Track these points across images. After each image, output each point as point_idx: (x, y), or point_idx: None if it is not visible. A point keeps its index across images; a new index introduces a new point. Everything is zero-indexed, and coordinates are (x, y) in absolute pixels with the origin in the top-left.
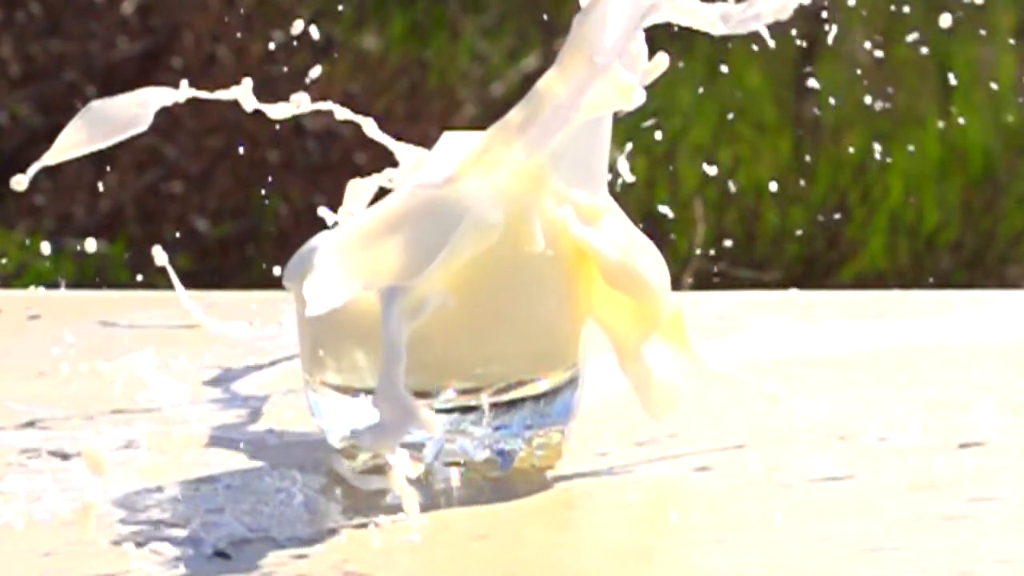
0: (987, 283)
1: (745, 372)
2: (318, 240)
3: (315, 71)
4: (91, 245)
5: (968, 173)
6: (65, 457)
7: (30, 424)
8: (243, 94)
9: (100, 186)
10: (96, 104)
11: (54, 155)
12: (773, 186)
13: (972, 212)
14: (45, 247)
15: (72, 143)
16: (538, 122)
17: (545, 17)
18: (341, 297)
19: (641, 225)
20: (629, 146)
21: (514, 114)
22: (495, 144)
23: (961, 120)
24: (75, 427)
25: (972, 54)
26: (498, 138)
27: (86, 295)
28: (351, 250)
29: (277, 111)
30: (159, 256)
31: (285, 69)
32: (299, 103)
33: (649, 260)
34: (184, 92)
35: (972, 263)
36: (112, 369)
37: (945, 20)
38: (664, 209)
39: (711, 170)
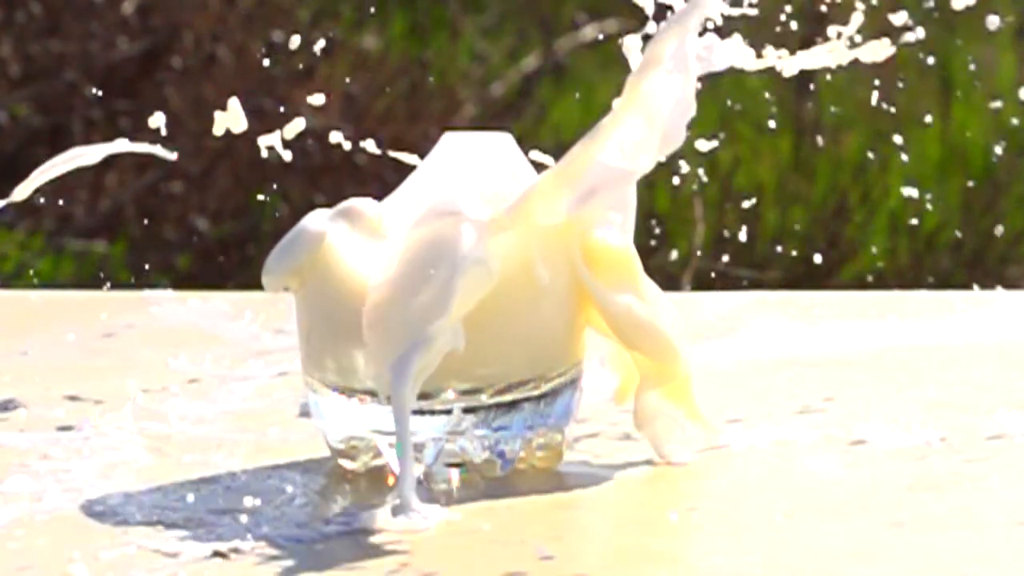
0: (987, 283)
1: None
2: (302, 224)
3: (317, 98)
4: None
5: (968, 173)
6: (70, 450)
7: (33, 425)
8: (233, 120)
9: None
10: (78, 149)
11: (23, 189)
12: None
13: (972, 212)
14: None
15: (39, 174)
16: (587, 183)
17: (545, 17)
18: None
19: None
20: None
21: (561, 170)
22: (539, 198)
23: (961, 120)
24: (75, 427)
25: (972, 54)
26: (543, 193)
27: (86, 295)
28: (378, 315)
29: (279, 142)
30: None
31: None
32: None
33: (665, 317)
34: (158, 148)
35: (972, 263)
36: (96, 424)
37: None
38: (663, 209)
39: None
